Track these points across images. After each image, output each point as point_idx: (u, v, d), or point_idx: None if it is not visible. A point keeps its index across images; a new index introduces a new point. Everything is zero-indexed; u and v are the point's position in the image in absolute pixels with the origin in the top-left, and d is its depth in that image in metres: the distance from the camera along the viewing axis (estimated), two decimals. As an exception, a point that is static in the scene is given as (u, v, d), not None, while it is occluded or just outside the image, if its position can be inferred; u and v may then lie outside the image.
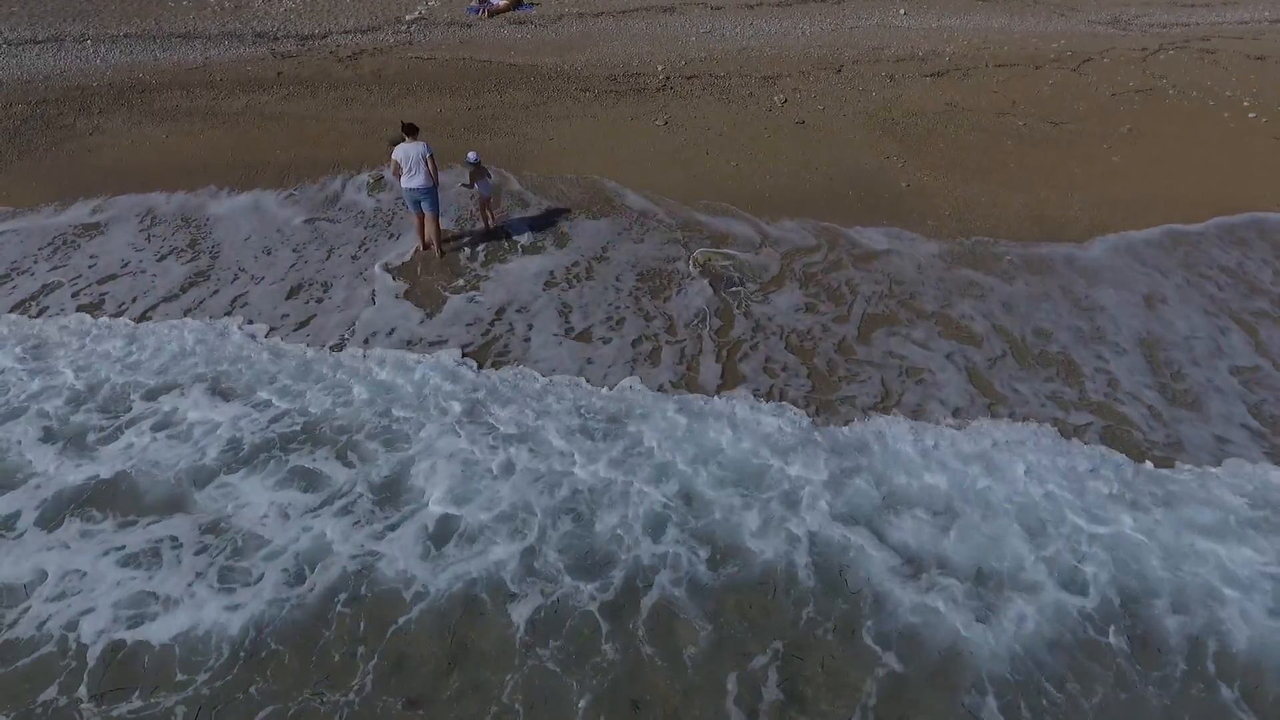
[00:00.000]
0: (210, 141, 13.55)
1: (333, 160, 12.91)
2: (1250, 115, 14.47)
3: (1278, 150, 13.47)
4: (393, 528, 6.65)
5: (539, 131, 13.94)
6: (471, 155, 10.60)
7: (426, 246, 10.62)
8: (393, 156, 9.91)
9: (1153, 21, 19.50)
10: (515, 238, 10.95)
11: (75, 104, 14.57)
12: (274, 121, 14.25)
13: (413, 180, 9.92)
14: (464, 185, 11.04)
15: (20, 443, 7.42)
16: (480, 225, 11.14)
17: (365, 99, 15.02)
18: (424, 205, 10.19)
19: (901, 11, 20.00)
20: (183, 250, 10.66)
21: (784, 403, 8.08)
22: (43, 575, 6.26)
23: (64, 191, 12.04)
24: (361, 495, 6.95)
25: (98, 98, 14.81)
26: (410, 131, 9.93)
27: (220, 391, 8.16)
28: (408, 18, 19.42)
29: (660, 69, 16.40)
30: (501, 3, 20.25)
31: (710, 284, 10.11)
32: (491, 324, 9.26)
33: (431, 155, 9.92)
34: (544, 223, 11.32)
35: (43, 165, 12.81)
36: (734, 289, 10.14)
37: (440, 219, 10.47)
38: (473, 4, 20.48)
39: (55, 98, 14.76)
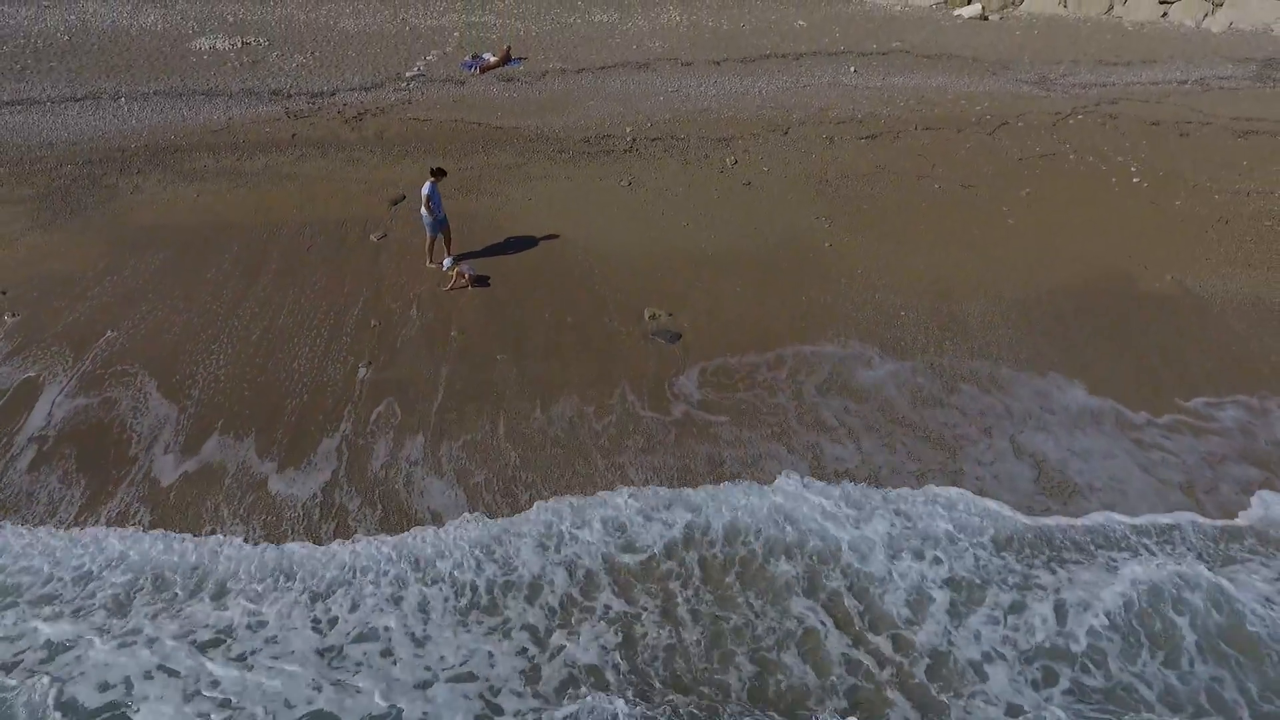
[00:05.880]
0: (235, 201, 15.72)
1: (341, 219, 15.10)
2: (1134, 180, 16.70)
3: (1153, 214, 15.70)
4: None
5: (519, 192, 16.14)
6: (446, 262, 13.57)
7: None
8: None
9: (1076, 81, 21.70)
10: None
11: (117, 164, 16.72)
12: (289, 181, 16.43)
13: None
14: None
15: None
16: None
17: (368, 160, 17.19)
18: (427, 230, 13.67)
19: (851, 69, 22.21)
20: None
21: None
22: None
23: (111, 249, 14.20)
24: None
25: (136, 158, 16.97)
26: (433, 173, 13.28)
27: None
28: (407, 74, 21.59)
29: (629, 130, 18.59)
30: (492, 60, 22.43)
31: (654, 334, 12.36)
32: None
33: (426, 196, 13.12)
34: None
35: (92, 224, 14.96)
36: (675, 341, 12.38)
37: (435, 242, 13.82)
38: (466, 59, 22.66)
39: (99, 158, 16.91)
